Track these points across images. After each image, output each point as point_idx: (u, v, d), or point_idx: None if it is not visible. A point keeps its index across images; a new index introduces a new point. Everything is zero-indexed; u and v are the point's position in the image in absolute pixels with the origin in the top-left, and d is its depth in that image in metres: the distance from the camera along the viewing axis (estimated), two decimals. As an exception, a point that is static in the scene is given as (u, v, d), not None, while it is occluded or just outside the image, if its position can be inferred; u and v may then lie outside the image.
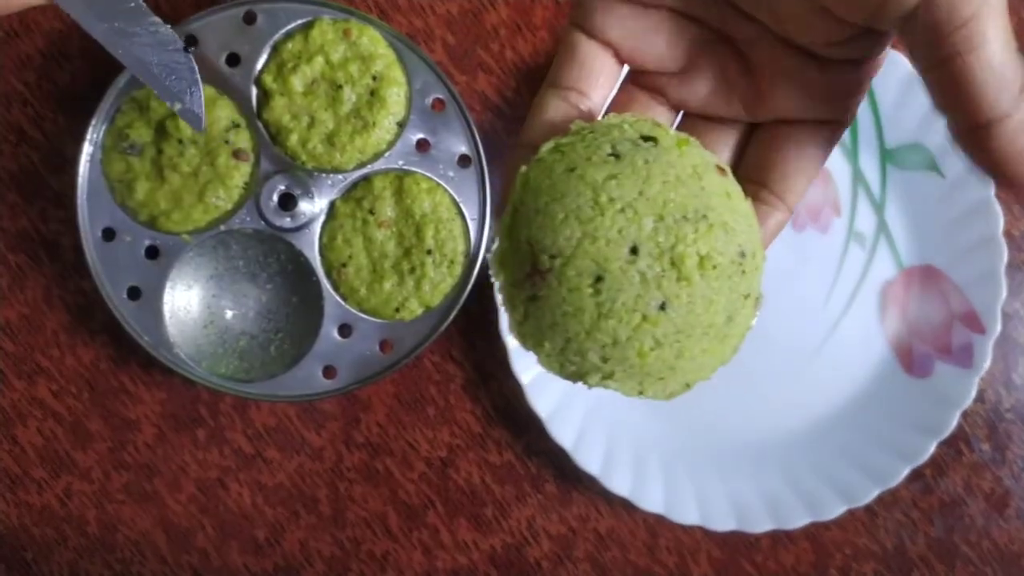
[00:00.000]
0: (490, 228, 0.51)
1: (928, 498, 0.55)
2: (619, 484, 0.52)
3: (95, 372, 0.53)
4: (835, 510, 0.52)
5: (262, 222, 0.50)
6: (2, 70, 0.53)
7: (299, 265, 0.51)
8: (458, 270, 0.51)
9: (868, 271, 0.54)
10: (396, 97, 0.50)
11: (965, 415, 0.54)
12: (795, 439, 0.53)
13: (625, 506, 0.53)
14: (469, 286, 0.51)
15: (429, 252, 0.50)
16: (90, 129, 0.49)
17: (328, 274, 0.51)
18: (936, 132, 0.53)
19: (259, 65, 0.50)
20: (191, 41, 0.50)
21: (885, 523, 0.55)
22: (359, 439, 0.54)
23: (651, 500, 0.53)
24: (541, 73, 0.53)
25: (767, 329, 0.54)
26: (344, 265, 0.50)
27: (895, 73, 0.52)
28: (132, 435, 0.53)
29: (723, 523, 0.53)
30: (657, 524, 0.55)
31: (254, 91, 0.50)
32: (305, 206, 0.50)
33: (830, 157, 0.55)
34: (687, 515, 0.53)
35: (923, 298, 0.54)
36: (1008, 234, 0.53)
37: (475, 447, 0.54)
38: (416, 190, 0.50)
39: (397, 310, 0.51)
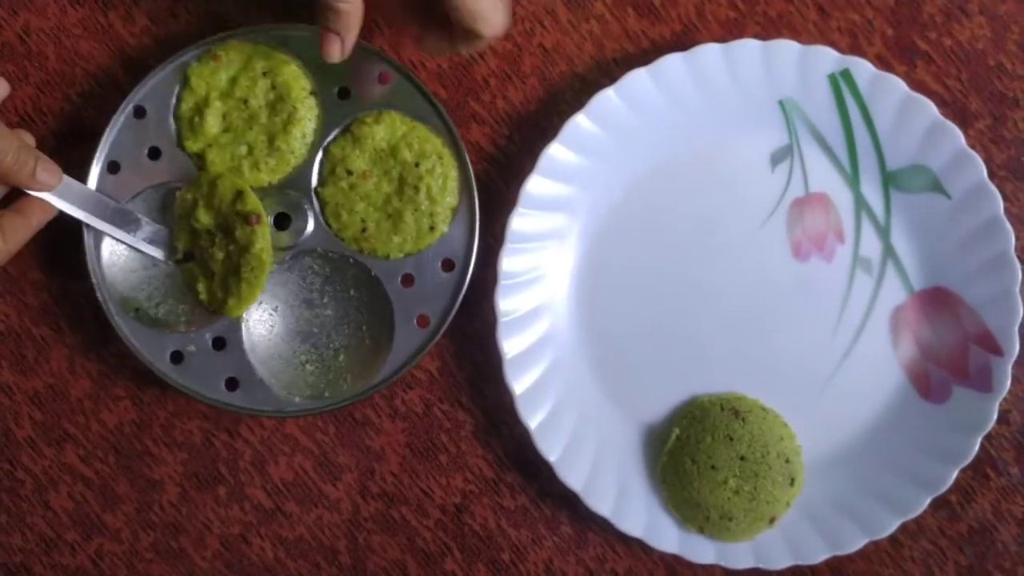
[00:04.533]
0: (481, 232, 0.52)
1: (956, 525, 0.54)
2: (632, 525, 0.52)
3: (119, 436, 0.55)
4: (856, 543, 0.51)
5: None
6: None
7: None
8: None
9: (877, 297, 0.53)
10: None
11: (990, 439, 0.52)
12: (811, 471, 0.53)
13: (642, 546, 0.53)
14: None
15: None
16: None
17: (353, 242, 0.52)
18: (939, 152, 0.52)
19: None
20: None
21: (912, 553, 0.54)
22: (374, 489, 0.55)
23: (665, 540, 0.52)
24: (533, 120, 0.54)
25: (775, 362, 0.54)
26: (363, 230, 0.52)
27: (892, 95, 0.51)
28: (157, 495, 0.55)
29: (741, 560, 0.52)
30: (675, 563, 0.54)
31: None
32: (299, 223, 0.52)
33: (831, 183, 0.53)
34: (703, 554, 0.52)
35: (936, 321, 0.53)
36: (1022, 251, 0.52)
37: (489, 492, 0.55)
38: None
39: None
